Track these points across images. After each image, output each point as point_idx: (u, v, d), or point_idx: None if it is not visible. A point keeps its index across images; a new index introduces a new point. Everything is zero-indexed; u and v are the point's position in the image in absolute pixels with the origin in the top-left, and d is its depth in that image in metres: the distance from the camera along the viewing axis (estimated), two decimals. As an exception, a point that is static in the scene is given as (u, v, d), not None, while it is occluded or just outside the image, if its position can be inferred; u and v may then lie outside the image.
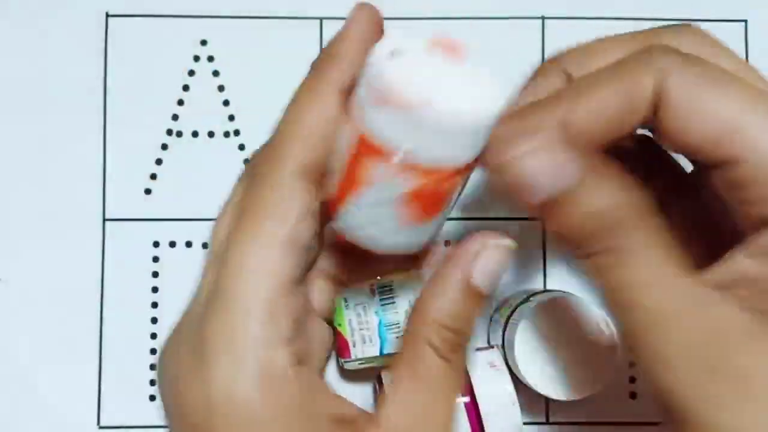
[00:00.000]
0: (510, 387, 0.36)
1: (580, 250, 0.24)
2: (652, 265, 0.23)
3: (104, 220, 0.42)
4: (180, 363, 0.24)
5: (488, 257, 0.25)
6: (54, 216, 0.42)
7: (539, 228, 0.42)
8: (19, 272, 0.41)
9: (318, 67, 0.25)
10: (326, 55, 0.25)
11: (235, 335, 0.23)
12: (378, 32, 0.25)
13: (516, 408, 0.36)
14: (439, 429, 0.25)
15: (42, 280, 0.41)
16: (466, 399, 0.36)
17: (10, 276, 0.41)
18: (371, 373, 0.40)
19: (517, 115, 0.25)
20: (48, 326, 0.41)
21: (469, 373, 0.36)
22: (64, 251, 0.41)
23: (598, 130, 0.24)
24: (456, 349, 0.25)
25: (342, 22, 0.42)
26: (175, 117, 0.42)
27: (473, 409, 0.36)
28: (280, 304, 0.24)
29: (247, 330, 0.23)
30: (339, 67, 0.25)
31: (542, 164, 0.23)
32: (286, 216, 0.24)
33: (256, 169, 0.25)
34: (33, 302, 0.41)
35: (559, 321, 0.36)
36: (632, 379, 0.42)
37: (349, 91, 0.25)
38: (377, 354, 0.37)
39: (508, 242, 0.26)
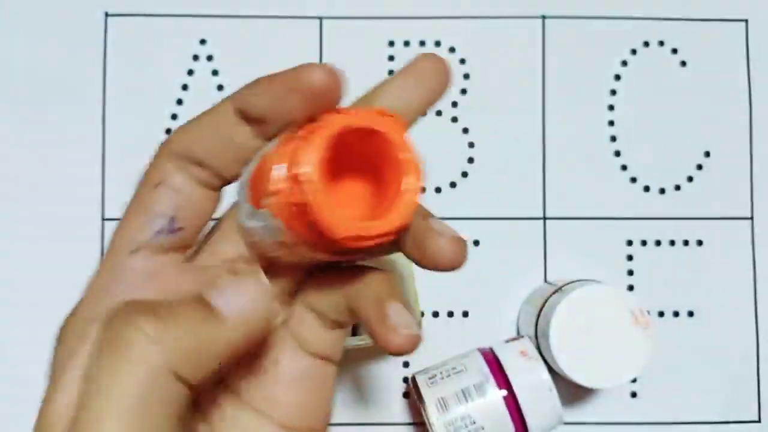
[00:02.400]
0: (545, 374, 0.36)
1: None
2: None
3: (103, 219, 0.42)
4: None
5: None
6: (53, 216, 0.41)
7: (540, 227, 0.42)
8: (18, 272, 0.41)
9: None
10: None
11: None
12: None
13: (554, 393, 0.36)
14: None
15: (41, 280, 0.41)
16: (504, 392, 0.36)
17: (10, 276, 0.41)
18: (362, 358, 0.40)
19: None
20: (47, 326, 0.41)
21: (503, 365, 0.37)
22: (63, 251, 0.41)
23: None
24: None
25: (342, 22, 0.43)
26: (174, 116, 0.42)
27: (512, 401, 0.36)
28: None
29: None
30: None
31: None
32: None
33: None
34: (32, 302, 0.41)
35: (593, 310, 0.36)
36: (632, 379, 0.42)
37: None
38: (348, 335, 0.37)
39: None
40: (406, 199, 0.22)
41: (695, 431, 0.42)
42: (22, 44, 0.42)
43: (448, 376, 0.37)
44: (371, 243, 0.22)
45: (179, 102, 0.42)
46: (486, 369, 0.37)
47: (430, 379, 0.37)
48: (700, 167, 0.43)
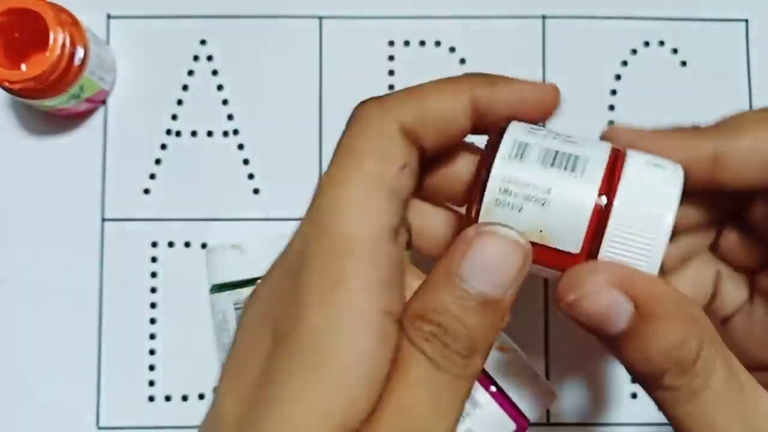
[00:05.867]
0: (527, 362, 0.36)
1: (652, 382, 0.22)
2: (720, 407, 0.21)
3: (103, 220, 0.42)
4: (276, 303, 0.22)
5: (480, 246, 0.22)
6: (53, 216, 0.41)
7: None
8: (18, 272, 0.41)
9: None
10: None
11: (336, 279, 0.21)
12: None
13: (543, 380, 0.36)
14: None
15: (40, 280, 0.41)
16: (494, 394, 0.36)
17: (9, 276, 0.41)
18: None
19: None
20: (46, 326, 0.41)
21: (485, 368, 0.36)
22: (62, 251, 0.41)
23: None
24: (445, 353, 0.21)
25: (342, 22, 0.43)
26: (174, 117, 0.42)
27: (505, 401, 0.36)
28: (383, 248, 0.21)
29: (350, 274, 0.21)
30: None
31: (596, 306, 0.22)
32: (390, 159, 0.22)
33: (363, 112, 0.23)
34: (31, 302, 0.41)
35: None
36: (632, 380, 0.42)
37: None
38: None
39: (512, 233, 0.22)
40: (48, 54, 0.35)
41: None
42: (23, 44, 0.42)
43: None
44: (17, 86, 0.35)
45: (179, 102, 0.42)
46: None
47: None
48: (700, 167, 0.43)
